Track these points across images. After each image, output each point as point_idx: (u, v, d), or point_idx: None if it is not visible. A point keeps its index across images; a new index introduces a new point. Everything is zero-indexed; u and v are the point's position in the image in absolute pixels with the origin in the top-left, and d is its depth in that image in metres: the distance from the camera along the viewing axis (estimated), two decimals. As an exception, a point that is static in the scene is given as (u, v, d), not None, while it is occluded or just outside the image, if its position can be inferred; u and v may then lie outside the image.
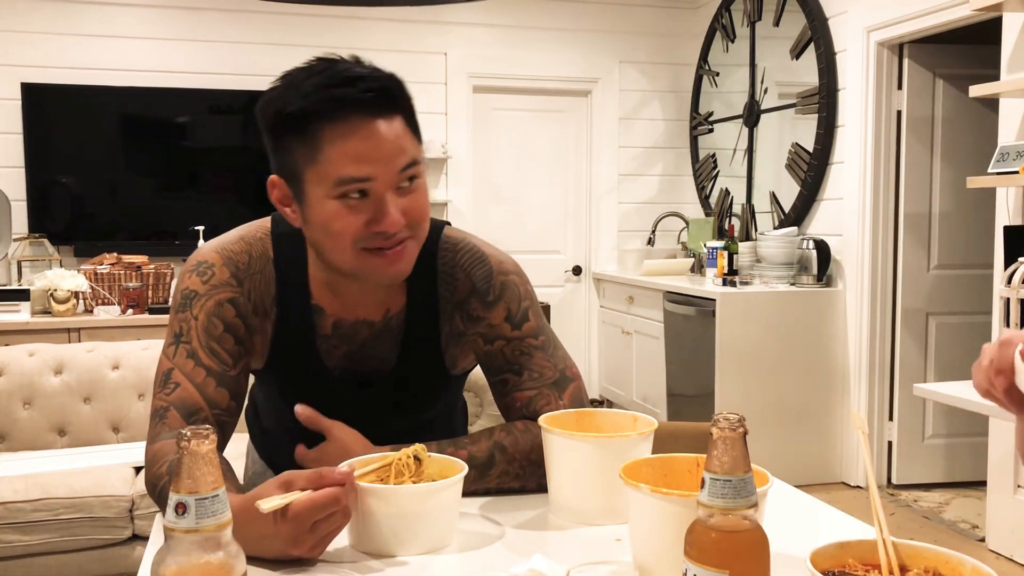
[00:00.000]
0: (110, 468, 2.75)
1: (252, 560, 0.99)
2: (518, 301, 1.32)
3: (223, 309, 1.23)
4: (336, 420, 1.24)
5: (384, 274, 1.18)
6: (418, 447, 1.11)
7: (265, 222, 1.32)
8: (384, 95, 1.14)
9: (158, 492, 1.14)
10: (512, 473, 1.24)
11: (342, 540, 1.07)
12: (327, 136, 1.12)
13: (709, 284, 4.48)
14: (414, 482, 1.08)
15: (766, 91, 4.87)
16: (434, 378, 1.36)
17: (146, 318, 4.12)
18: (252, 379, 1.36)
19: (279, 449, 1.44)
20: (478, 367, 1.40)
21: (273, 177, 1.20)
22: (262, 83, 4.73)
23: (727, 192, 5.28)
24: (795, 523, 1.14)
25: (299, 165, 1.15)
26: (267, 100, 1.17)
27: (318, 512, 0.98)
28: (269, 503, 0.96)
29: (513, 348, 1.31)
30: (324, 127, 1.12)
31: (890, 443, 4.19)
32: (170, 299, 1.33)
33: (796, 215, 4.56)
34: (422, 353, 1.32)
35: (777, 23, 4.71)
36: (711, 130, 5.43)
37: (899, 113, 4.11)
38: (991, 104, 3.70)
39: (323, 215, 1.14)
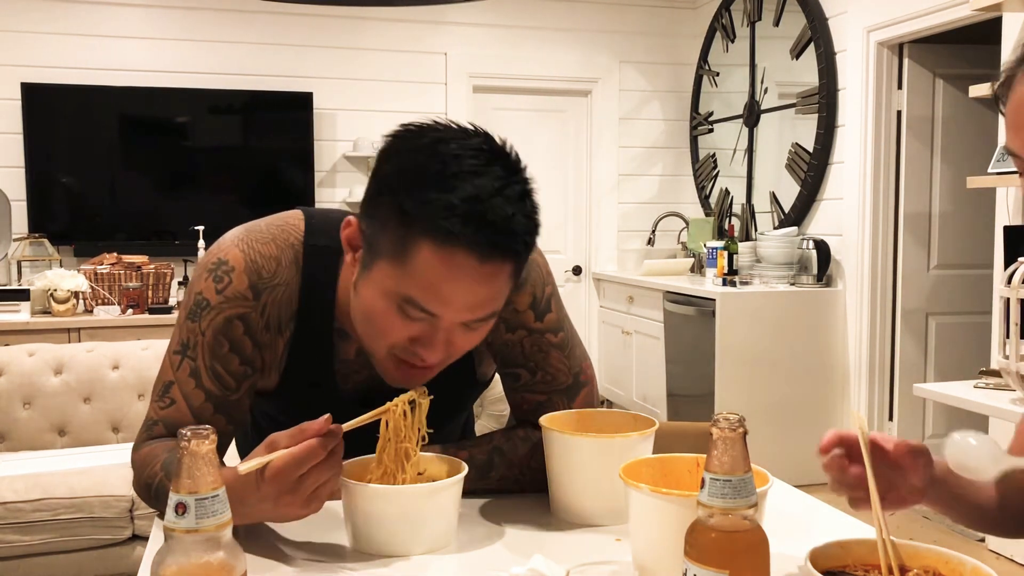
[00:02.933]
0: (110, 468, 2.74)
1: (252, 560, 0.99)
2: (542, 285, 1.26)
3: (231, 326, 1.14)
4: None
5: (396, 381, 1.11)
6: (414, 392, 1.08)
7: (299, 223, 1.20)
8: (514, 246, 1.01)
9: (154, 490, 1.11)
10: (511, 478, 1.24)
11: (342, 540, 1.07)
12: (424, 252, 0.98)
13: (709, 284, 4.48)
14: (410, 479, 1.08)
15: (766, 91, 4.87)
16: (465, 387, 1.31)
17: (146, 318, 4.12)
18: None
19: None
20: None
21: (354, 220, 1.09)
22: (262, 83, 4.71)
23: (727, 192, 5.28)
24: (795, 523, 1.14)
25: (382, 243, 1.02)
26: (398, 156, 1.03)
27: (299, 466, 0.96)
28: (247, 464, 0.95)
29: (532, 342, 1.25)
30: (427, 243, 0.98)
31: (890, 443, 4.19)
32: (185, 292, 1.19)
33: (796, 215, 4.56)
34: (454, 367, 1.20)
35: (777, 23, 4.71)
36: (711, 130, 5.43)
37: (899, 113, 4.11)
38: (991, 104, 3.69)
39: (374, 304, 1.04)
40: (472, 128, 1.05)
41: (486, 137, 1.05)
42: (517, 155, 1.06)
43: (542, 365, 1.26)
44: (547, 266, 1.29)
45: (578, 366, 1.29)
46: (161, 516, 1.14)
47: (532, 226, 1.03)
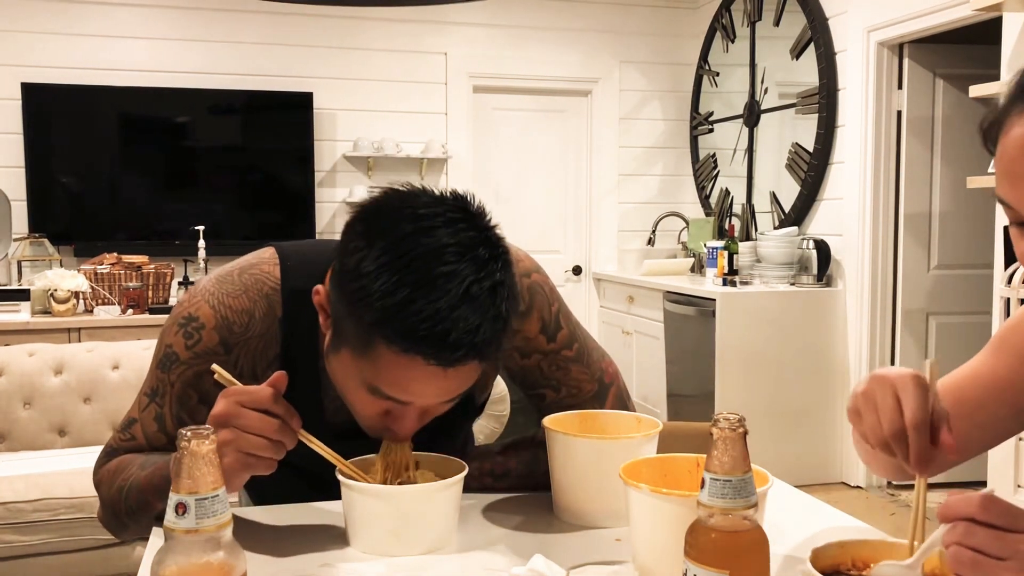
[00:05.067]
0: (110, 468, 2.74)
1: (252, 560, 0.99)
2: (548, 305, 1.24)
3: (201, 380, 1.12)
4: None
5: (376, 435, 1.09)
6: None
7: (274, 268, 1.16)
8: (478, 354, 0.98)
9: (126, 493, 1.10)
10: (523, 486, 1.26)
11: (342, 540, 1.07)
12: (385, 356, 0.97)
13: (709, 284, 4.48)
14: (410, 479, 1.08)
15: (766, 91, 4.87)
16: (460, 415, 1.25)
17: (146, 318, 4.12)
18: None
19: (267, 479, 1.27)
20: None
21: (323, 289, 1.05)
22: (262, 83, 4.70)
23: (727, 192, 5.28)
24: (795, 523, 1.14)
25: (346, 329, 1.00)
26: (370, 246, 0.96)
27: (243, 394, 0.98)
28: (221, 371, 1.03)
29: (550, 363, 1.24)
30: (388, 351, 0.96)
31: (890, 443, 4.19)
32: (158, 339, 1.17)
33: (796, 215, 4.56)
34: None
35: (777, 23, 4.71)
36: (711, 130, 5.43)
37: (899, 113, 4.11)
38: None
39: (344, 382, 1.05)
40: (459, 211, 0.99)
41: (463, 219, 0.99)
42: (495, 237, 1.00)
43: (564, 381, 1.25)
44: (548, 282, 1.26)
45: (599, 370, 1.28)
46: (131, 519, 1.13)
47: (499, 328, 0.98)
